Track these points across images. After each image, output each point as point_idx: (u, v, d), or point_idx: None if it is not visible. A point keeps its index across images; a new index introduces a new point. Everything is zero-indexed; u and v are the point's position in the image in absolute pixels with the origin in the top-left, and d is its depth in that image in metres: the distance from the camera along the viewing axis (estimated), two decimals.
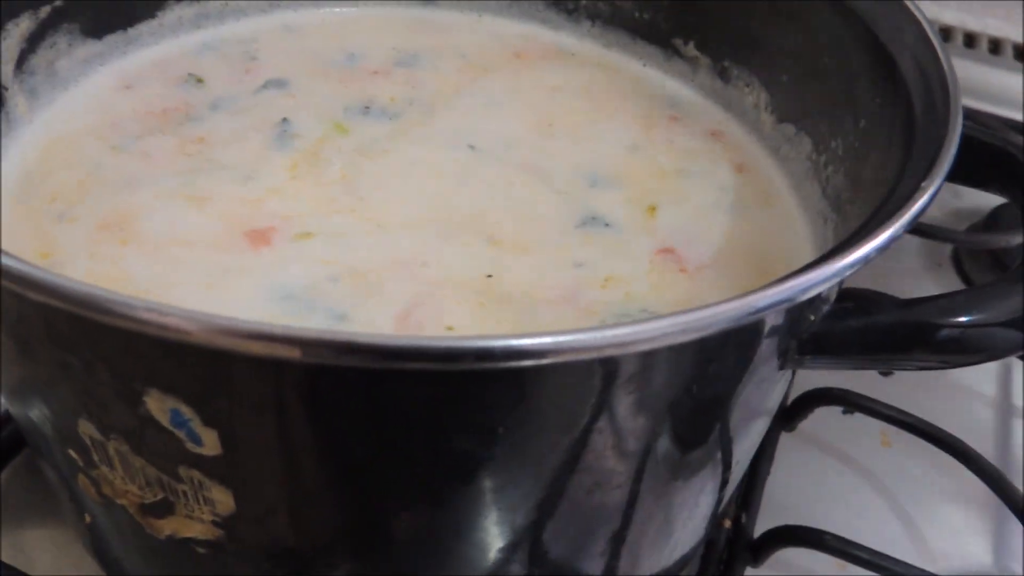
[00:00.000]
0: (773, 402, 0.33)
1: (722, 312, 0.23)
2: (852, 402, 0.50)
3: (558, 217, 0.38)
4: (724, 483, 0.35)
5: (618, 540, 0.32)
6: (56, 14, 0.40)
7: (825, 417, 0.51)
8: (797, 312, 0.27)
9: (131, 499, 0.29)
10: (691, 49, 0.46)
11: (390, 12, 0.50)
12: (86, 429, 0.27)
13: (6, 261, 0.21)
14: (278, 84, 0.44)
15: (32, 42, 0.40)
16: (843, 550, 0.41)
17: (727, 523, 0.45)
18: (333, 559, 0.29)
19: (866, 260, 0.24)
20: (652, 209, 0.39)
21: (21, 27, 0.39)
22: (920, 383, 0.54)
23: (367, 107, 0.43)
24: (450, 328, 0.31)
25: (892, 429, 0.50)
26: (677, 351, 0.25)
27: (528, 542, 0.30)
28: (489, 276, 0.34)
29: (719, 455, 0.32)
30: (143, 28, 0.44)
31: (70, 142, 0.39)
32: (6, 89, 0.38)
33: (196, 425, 0.24)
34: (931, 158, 0.28)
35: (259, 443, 0.25)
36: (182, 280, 0.32)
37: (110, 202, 0.36)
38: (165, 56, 0.45)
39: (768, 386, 0.30)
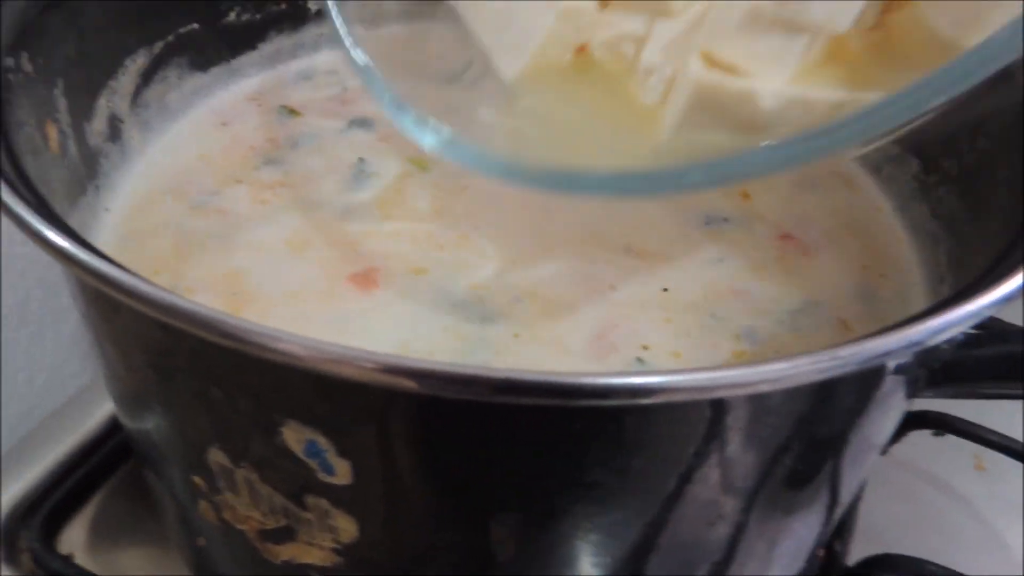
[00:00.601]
0: (890, 432, 0.32)
1: (851, 355, 0.22)
2: (948, 425, 0.48)
3: (676, 220, 0.38)
4: (830, 516, 0.34)
5: (717, 572, 0.32)
6: (168, 49, 0.42)
7: (916, 440, 0.50)
8: (931, 347, 0.26)
9: (252, 525, 0.29)
10: None
11: None
12: (217, 457, 0.28)
13: (159, 294, 0.22)
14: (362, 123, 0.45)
15: (146, 77, 0.41)
16: None
17: (820, 552, 0.44)
18: None
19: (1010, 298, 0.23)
20: (746, 196, 0.39)
21: (137, 63, 0.41)
22: (1014, 404, 0.53)
23: None
24: (646, 347, 0.32)
25: (986, 452, 0.49)
26: (794, 392, 0.25)
27: (629, 572, 0.30)
28: (665, 290, 0.34)
29: (829, 490, 0.32)
30: (244, 60, 0.46)
31: (153, 200, 0.40)
32: (122, 122, 0.40)
33: (330, 456, 0.25)
34: None
35: (388, 473, 0.25)
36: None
37: (211, 265, 0.36)
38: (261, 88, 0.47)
39: (890, 418, 0.30)
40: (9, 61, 0.32)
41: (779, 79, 0.29)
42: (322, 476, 0.25)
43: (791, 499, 0.31)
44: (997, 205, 0.32)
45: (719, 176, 0.27)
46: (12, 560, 0.45)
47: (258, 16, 0.47)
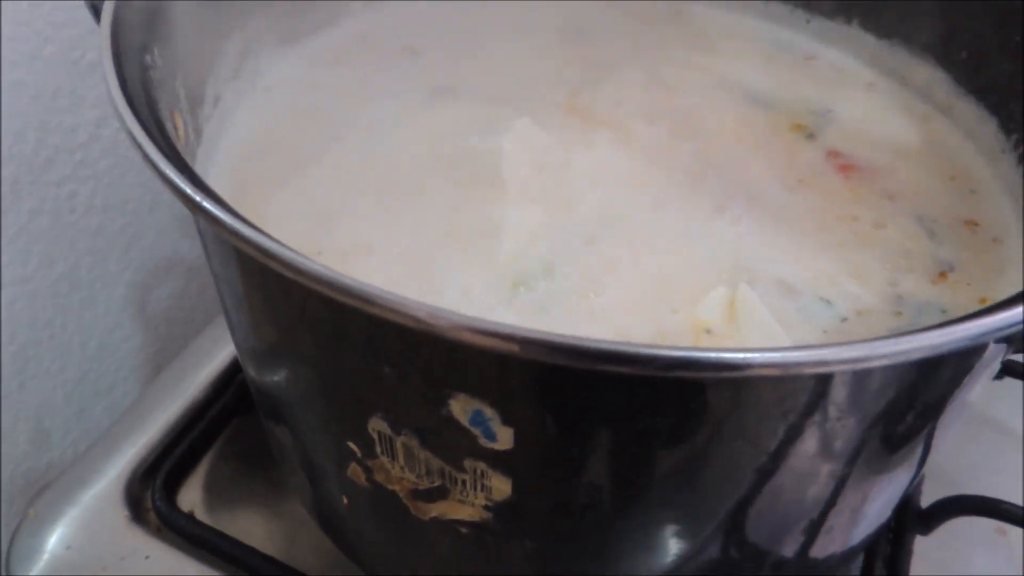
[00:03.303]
0: (985, 388, 0.35)
1: (955, 334, 0.24)
2: (1007, 368, 0.50)
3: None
4: (920, 471, 0.36)
5: (815, 527, 0.34)
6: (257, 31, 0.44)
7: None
8: None
9: (404, 485, 0.32)
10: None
11: None
12: (377, 425, 0.30)
13: (348, 282, 0.24)
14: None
15: (242, 56, 0.44)
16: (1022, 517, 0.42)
17: None
18: (574, 534, 0.33)
19: None
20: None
21: (235, 45, 0.43)
22: None
23: None
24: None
25: None
26: (897, 368, 0.27)
27: (730, 528, 0.32)
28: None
29: (923, 448, 0.34)
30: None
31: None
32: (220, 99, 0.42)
33: (495, 424, 0.27)
34: None
35: (547, 439, 0.28)
36: None
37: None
38: None
39: (987, 377, 0.32)
40: (147, 59, 0.34)
41: None
42: (484, 442, 0.28)
43: (887, 460, 0.33)
44: None
45: None
46: (139, 519, 0.48)
47: None
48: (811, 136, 0.44)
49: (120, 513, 0.48)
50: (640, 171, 0.41)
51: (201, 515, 0.49)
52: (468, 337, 0.23)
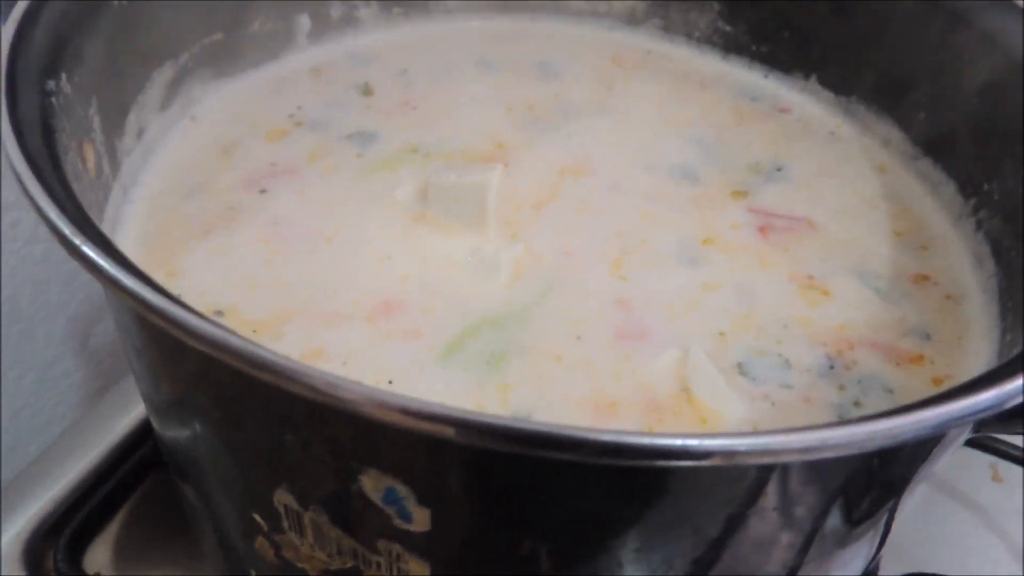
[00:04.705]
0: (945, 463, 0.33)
1: (916, 422, 0.22)
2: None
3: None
4: (882, 543, 0.34)
5: None
6: (193, 60, 0.42)
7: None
8: None
9: (315, 564, 0.29)
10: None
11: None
12: (283, 499, 0.27)
13: (240, 344, 0.21)
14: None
15: (173, 87, 0.41)
16: None
17: None
18: None
19: None
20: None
21: (165, 75, 0.40)
22: None
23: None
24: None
25: (1001, 463, 0.50)
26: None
27: None
28: None
29: (885, 522, 0.32)
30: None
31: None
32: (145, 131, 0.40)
33: (410, 504, 0.24)
34: None
35: (468, 520, 0.25)
36: None
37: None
38: None
39: (949, 453, 0.30)
40: (51, 84, 0.31)
41: None
42: (399, 523, 0.25)
43: (847, 534, 0.31)
44: None
45: None
46: None
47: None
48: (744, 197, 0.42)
49: (17, 574, 0.44)
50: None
51: None
52: (363, 410, 0.20)
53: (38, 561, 0.45)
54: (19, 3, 0.31)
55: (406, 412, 0.19)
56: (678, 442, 0.20)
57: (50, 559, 0.45)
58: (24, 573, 0.44)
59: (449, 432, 0.19)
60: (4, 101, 0.27)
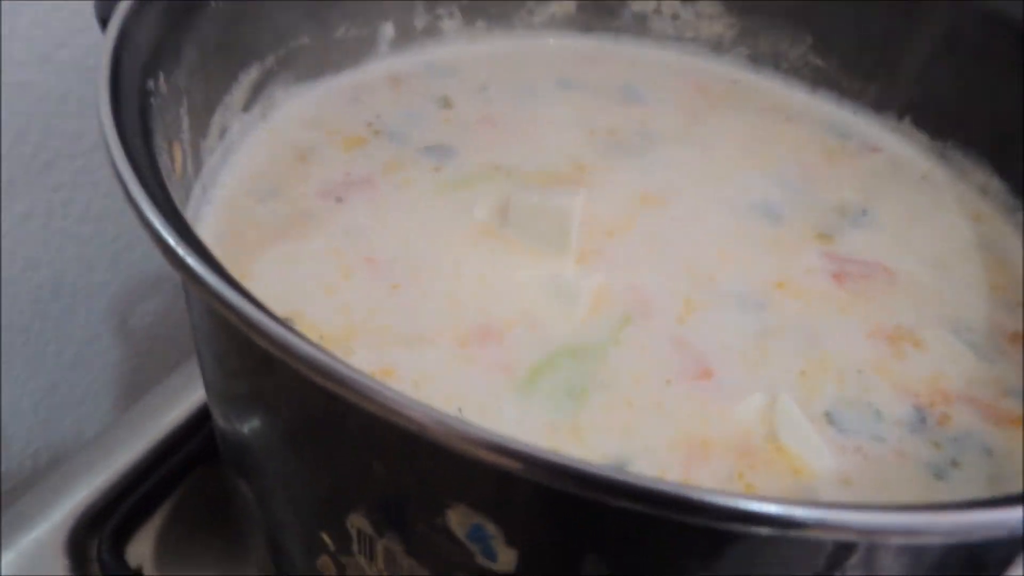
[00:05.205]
0: None
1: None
2: None
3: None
4: None
5: None
6: (278, 62, 0.41)
7: None
8: None
9: None
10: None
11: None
12: (357, 522, 0.27)
13: (349, 373, 0.21)
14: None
15: (256, 89, 0.41)
16: None
17: None
18: None
19: None
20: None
21: (251, 76, 0.40)
22: None
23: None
24: None
25: None
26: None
27: None
28: None
29: None
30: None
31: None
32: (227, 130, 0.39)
33: (497, 543, 0.24)
34: None
35: (554, 566, 0.24)
36: None
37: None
38: None
39: None
40: (151, 84, 0.31)
41: None
42: (481, 560, 0.24)
43: None
44: None
45: None
46: (80, 571, 0.44)
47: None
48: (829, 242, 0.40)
49: (60, 562, 0.44)
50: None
51: (149, 573, 0.44)
52: (472, 451, 0.20)
53: (81, 551, 0.45)
54: (122, 2, 0.31)
55: (529, 462, 0.19)
56: (845, 516, 0.19)
57: (93, 549, 0.45)
58: (67, 561, 0.44)
59: (568, 484, 0.19)
60: (108, 101, 0.27)
